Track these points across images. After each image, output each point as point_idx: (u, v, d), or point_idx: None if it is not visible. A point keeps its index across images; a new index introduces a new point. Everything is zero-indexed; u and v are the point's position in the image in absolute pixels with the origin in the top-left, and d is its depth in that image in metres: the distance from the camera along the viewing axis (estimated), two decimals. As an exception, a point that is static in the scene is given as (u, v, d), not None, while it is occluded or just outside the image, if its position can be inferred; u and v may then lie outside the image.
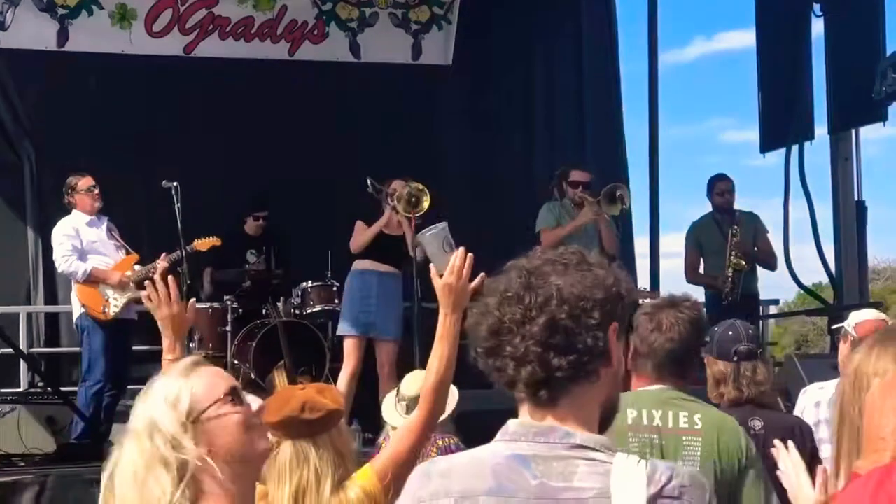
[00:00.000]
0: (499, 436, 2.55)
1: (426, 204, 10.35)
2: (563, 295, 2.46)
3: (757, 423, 5.06)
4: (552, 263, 2.52)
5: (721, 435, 4.36)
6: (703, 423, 4.37)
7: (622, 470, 2.44)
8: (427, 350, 4.19)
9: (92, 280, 10.54)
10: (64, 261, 10.56)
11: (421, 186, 10.46)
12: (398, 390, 6.13)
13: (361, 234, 10.86)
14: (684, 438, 4.34)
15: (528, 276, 2.50)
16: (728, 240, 11.77)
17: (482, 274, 3.85)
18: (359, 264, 10.95)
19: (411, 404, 5.71)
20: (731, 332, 5.48)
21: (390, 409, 6.04)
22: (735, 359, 5.36)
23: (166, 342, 4.19)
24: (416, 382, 5.98)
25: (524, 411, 2.54)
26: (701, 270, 12.33)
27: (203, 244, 11.08)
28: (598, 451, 2.47)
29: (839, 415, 2.67)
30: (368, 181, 11.01)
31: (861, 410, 2.59)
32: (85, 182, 10.75)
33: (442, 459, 2.60)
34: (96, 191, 10.75)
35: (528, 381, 2.47)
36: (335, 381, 10.76)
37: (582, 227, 11.09)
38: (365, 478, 3.86)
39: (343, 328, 10.88)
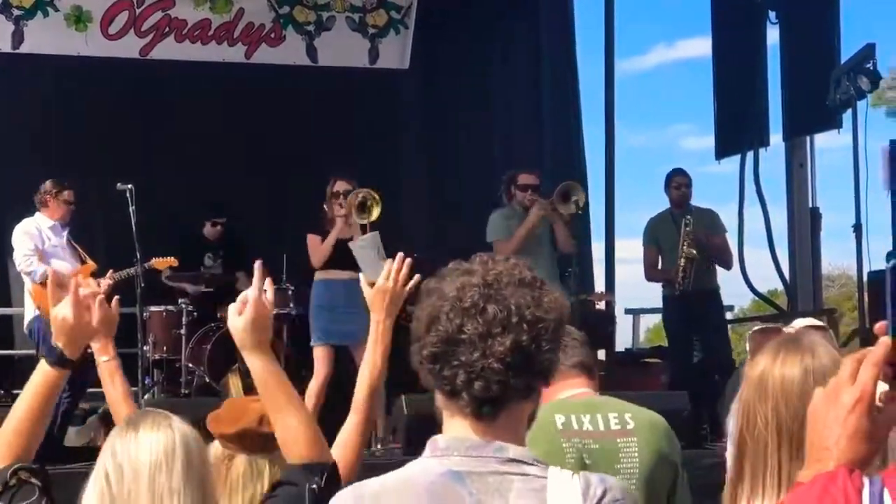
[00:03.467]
0: (428, 451, 2.54)
1: (376, 212, 10.31)
2: (524, 315, 2.46)
3: None
4: (508, 278, 2.51)
5: (654, 434, 4.28)
6: (636, 422, 4.25)
7: (557, 485, 2.45)
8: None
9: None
10: (24, 259, 10.55)
11: (376, 195, 10.39)
12: None
13: (320, 249, 10.68)
14: (619, 441, 4.22)
15: (485, 289, 2.48)
16: (681, 230, 11.69)
17: (417, 276, 3.84)
18: (321, 274, 10.79)
19: None
20: None
21: None
22: None
23: (98, 344, 3.99)
24: None
25: (457, 424, 2.52)
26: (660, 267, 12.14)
27: (160, 263, 11.11)
28: (531, 465, 2.48)
29: (744, 424, 2.68)
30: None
31: (766, 417, 2.61)
32: (68, 194, 10.80)
33: (372, 481, 2.55)
34: (72, 206, 10.81)
35: (477, 396, 2.46)
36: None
37: (534, 229, 11.02)
38: None
39: (315, 338, 10.70)
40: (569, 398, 4.26)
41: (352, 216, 10.41)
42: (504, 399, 2.47)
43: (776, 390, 2.65)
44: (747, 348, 7.21)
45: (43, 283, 10.52)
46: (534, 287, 2.52)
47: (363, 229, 10.39)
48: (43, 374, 3.62)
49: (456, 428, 2.52)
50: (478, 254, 2.61)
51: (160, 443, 3.16)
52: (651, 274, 12.16)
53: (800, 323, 6.80)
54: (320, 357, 10.49)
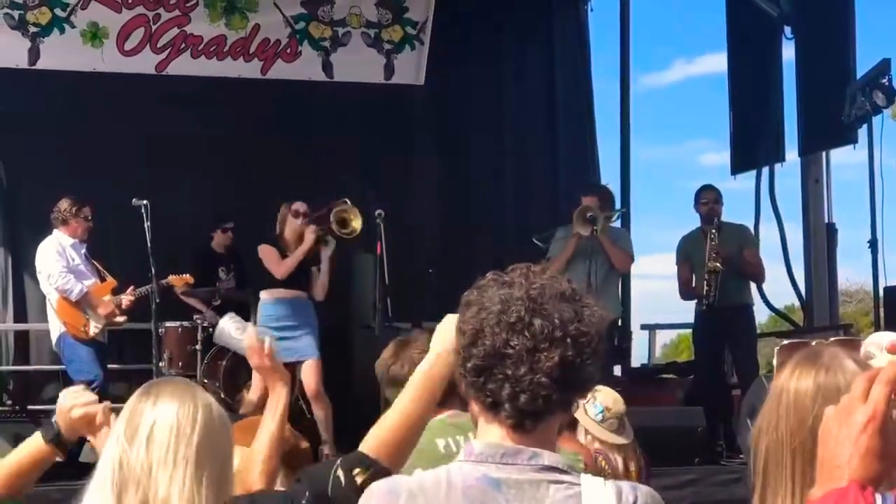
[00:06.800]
0: (463, 455, 2.55)
1: (357, 224, 10.57)
2: (568, 330, 2.48)
3: None
4: (551, 291, 2.53)
5: None
6: None
7: (591, 492, 2.47)
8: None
9: (83, 301, 10.57)
10: (61, 277, 10.57)
11: (355, 209, 10.73)
12: (607, 408, 5.93)
13: (284, 264, 10.86)
14: None
15: (530, 303, 2.50)
16: (706, 243, 11.65)
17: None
18: (270, 293, 10.98)
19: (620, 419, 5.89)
20: None
21: (592, 425, 5.90)
22: None
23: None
24: (612, 394, 5.92)
25: (493, 431, 2.54)
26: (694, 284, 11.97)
27: (177, 280, 11.19)
28: (566, 472, 2.50)
29: (767, 440, 2.66)
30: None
31: (787, 433, 2.60)
32: (87, 210, 10.90)
33: (408, 478, 2.57)
34: (90, 223, 10.86)
35: (521, 408, 2.48)
36: (305, 401, 10.76)
37: (570, 256, 11.10)
38: None
39: None
40: (440, 420, 4.23)
41: (335, 230, 10.67)
42: (546, 412, 2.51)
43: (789, 405, 2.64)
44: (775, 363, 7.17)
45: (77, 301, 10.56)
46: (574, 301, 2.54)
47: (346, 241, 10.81)
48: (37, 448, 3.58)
49: (492, 434, 2.54)
50: (514, 266, 2.62)
51: (180, 412, 3.08)
52: (685, 291, 12.04)
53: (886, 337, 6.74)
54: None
